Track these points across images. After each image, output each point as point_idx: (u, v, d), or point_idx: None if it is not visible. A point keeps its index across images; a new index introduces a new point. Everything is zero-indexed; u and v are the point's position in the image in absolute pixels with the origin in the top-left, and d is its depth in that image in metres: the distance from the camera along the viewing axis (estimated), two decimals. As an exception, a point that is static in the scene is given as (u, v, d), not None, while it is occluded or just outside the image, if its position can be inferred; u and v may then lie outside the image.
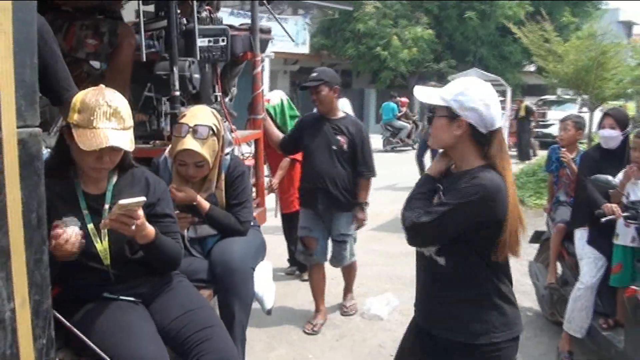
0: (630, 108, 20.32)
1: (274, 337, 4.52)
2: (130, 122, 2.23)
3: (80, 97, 2.18)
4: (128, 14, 4.26)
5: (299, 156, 4.99)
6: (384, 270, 6.20)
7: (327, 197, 4.53)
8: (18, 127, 1.72)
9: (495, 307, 2.14)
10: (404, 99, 18.84)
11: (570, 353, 4.18)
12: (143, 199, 2.16)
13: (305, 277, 5.53)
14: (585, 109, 14.58)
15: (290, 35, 7.60)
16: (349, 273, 5.09)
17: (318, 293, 4.84)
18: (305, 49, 18.47)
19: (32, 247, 1.79)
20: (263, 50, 4.67)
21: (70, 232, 2.08)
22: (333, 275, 5.25)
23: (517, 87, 23.28)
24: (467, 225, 2.05)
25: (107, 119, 2.13)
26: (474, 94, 2.07)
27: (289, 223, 5.70)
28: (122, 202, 2.10)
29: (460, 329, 2.14)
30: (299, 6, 18.30)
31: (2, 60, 1.70)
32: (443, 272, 2.15)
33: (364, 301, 5.17)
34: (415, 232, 2.09)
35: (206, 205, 2.98)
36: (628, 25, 41.58)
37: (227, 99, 4.46)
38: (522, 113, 16.03)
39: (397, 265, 6.26)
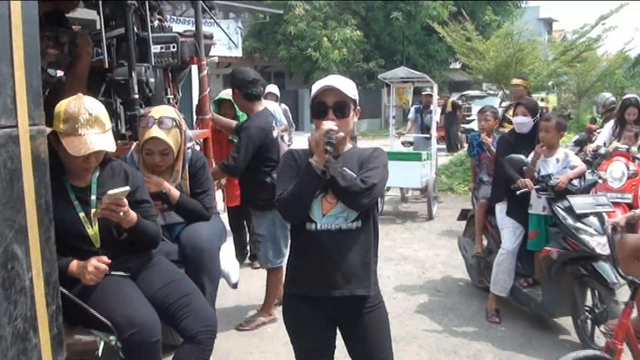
0: (552, 100, 21.66)
1: (235, 313, 4.88)
2: (109, 125, 2.64)
3: (63, 107, 2.55)
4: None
5: None
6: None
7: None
8: (29, 126, 2.10)
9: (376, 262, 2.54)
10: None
11: (497, 311, 4.80)
12: (128, 188, 2.58)
13: (257, 265, 5.91)
14: (505, 103, 15.48)
15: (232, 40, 7.97)
16: (268, 281, 4.76)
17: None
18: (238, 52, 18.76)
19: (43, 227, 2.18)
20: (206, 54, 5.03)
21: None
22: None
23: (444, 83, 24.32)
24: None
25: (90, 126, 2.53)
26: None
27: (234, 216, 6.06)
28: (110, 192, 2.50)
29: (370, 282, 2.43)
30: (231, 10, 18.57)
31: (17, 69, 2.08)
32: (354, 237, 2.39)
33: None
34: (372, 193, 2.36)
35: (176, 193, 3.35)
36: (548, 22, 43.68)
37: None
38: (449, 108, 16.83)
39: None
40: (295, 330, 2.53)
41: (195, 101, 4.91)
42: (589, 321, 4.13)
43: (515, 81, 7.20)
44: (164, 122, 3.26)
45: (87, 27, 5.05)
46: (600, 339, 3.92)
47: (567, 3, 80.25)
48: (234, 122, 5.02)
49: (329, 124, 2.28)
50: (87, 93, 4.03)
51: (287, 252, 4.29)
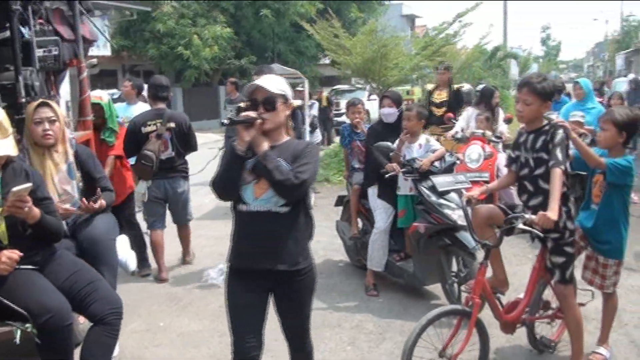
0: (417, 92, 22.96)
1: (125, 312, 4.96)
2: (10, 129, 2.78)
3: None
4: None
5: (122, 152, 5.46)
6: (215, 250, 6.78)
7: None
8: None
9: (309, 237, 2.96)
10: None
11: (375, 285, 5.29)
12: (30, 184, 2.76)
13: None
14: (374, 96, 16.28)
15: (108, 40, 7.88)
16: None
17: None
18: (106, 51, 18.21)
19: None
20: (85, 56, 5.06)
21: None
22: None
23: (314, 79, 24.97)
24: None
25: None
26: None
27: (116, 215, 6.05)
28: (14, 189, 2.66)
29: (295, 259, 2.81)
30: (97, 7, 17.95)
31: None
32: (283, 220, 2.76)
33: (202, 273, 5.79)
34: (303, 188, 2.74)
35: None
36: (411, 19, 45.96)
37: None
38: (324, 103, 17.43)
39: (224, 245, 6.90)
40: (231, 294, 2.88)
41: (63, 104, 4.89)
42: (455, 285, 4.71)
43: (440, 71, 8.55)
44: (48, 101, 3.50)
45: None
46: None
47: (428, 1, 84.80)
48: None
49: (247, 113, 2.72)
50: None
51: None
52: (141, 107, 6.60)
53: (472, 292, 3.46)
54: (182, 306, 5.18)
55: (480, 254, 4.30)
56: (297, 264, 2.81)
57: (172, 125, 5.59)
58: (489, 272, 3.64)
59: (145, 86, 8.21)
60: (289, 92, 2.86)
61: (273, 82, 2.82)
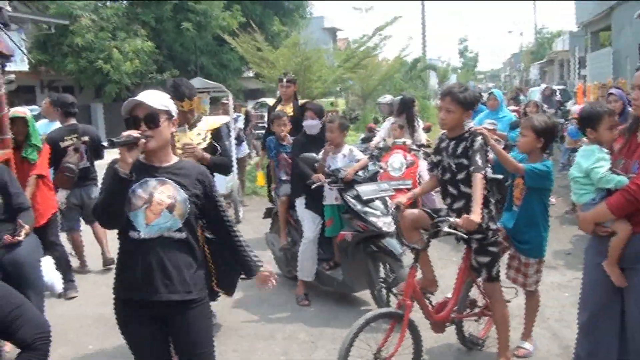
0: (341, 103, 23.28)
1: (53, 337, 4.81)
2: None
3: None
4: None
5: (44, 171, 5.31)
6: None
7: None
8: None
9: (203, 267, 2.86)
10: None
11: (306, 295, 5.36)
12: None
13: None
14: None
15: (25, 53, 7.65)
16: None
17: None
18: (24, 67, 17.48)
19: None
20: (2, 72, 4.89)
21: None
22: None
23: (239, 92, 24.91)
24: None
25: None
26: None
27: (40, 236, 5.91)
28: None
29: (187, 287, 2.63)
30: (13, 21, 17.24)
31: None
32: (176, 246, 2.61)
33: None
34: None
35: None
36: (332, 32, 46.53)
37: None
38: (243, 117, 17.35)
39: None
40: (128, 331, 2.70)
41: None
42: (384, 290, 4.82)
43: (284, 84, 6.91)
44: None
45: None
46: (395, 303, 4.58)
47: (349, 14, 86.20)
48: None
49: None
50: None
51: None
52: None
53: (404, 295, 3.58)
54: (111, 327, 4.97)
55: (406, 259, 4.45)
56: (190, 293, 2.63)
57: (86, 138, 6.12)
58: (418, 275, 3.77)
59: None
60: (173, 107, 2.70)
61: (155, 97, 2.63)
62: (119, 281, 2.67)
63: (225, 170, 4.41)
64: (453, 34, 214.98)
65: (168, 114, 2.64)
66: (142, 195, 2.56)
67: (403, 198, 3.96)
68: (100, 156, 6.39)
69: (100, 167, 5.90)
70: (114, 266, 6.26)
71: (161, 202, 2.54)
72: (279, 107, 6.63)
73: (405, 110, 7.33)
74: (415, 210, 4.09)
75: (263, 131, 18.24)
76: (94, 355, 4.53)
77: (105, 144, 2.43)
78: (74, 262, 6.39)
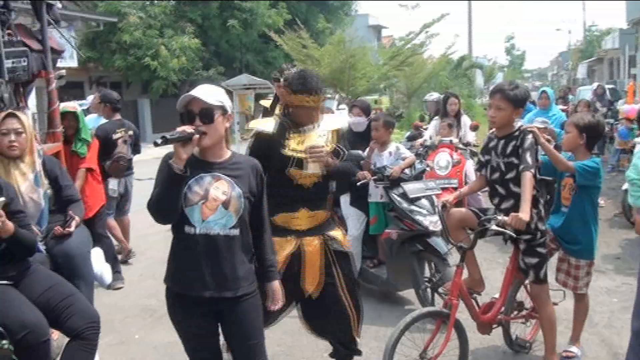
0: (385, 101, 23.17)
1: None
2: None
3: None
4: None
5: (93, 164, 5.43)
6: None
7: None
8: None
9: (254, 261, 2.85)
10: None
11: (348, 293, 5.29)
12: (3, 199, 2.70)
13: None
14: (342, 105, 16.40)
15: (77, 51, 7.87)
16: None
17: None
18: (73, 63, 17.95)
19: None
20: (53, 68, 5.02)
21: None
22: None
23: (283, 89, 24.94)
24: None
25: None
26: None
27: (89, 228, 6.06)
28: None
29: (239, 285, 2.65)
30: (63, 18, 17.71)
31: None
32: (230, 243, 2.60)
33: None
34: None
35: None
36: (377, 30, 46.40)
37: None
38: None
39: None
40: (178, 323, 2.73)
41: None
42: (428, 289, 4.77)
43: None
44: (16, 112, 3.50)
45: None
46: (439, 303, 4.53)
47: (394, 12, 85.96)
48: None
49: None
50: None
51: None
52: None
53: (450, 294, 3.53)
54: (157, 318, 5.14)
55: (451, 259, 4.39)
56: (242, 288, 2.65)
57: (131, 132, 6.53)
58: (464, 274, 3.72)
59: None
60: (228, 103, 2.68)
61: (210, 92, 2.61)
62: (172, 274, 2.70)
63: (347, 177, 3.96)
64: (500, 31, 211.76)
65: (223, 109, 2.62)
66: (198, 191, 2.55)
67: (450, 197, 3.91)
68: (138, 151, 6.85)
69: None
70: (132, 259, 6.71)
71: (216, 199, 2.54)
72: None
73: (440, 108, 7.26)
74: (462, 209, 4.04)
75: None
76: (140, 344, 4.61)
77: (159, 141, 2.39)
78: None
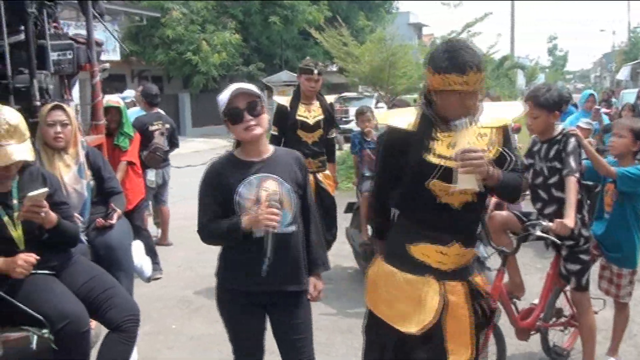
0: (424, 100, 22.93)
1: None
2: (27, 134, 2.79)
3: None
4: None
5: (135, 158, 5.52)
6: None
7: None
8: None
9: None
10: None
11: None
12: (46, 189, 2.75)
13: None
14: (381, 104, 16.31)
15: (123, 46, 8.08)
16: None
17: None
18: (115, 56, 18.31)
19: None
20: (97, 60, 5.11)
21: None
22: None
23: (322, 86, 24.98)
24: None
25: (10, 137, 2.69)
26: None
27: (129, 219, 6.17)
28: (30, 194, 2.66)
29: (301, 279, 2.71)
30: (107, 12, 18.06)
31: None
32: (288, 240, 2.61)
33: (212, 277, 5.83)
34: None
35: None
36: (418, 27, 46.05)
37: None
38: (328, 111, 17.37)
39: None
40: (229, 318, 2.74)
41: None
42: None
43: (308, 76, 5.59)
44: (61, 104, 3.54)
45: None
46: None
47: (435, 10, 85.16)
48: None
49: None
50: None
51: None
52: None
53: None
54: (193, 309, 5.22)
55: (490, 263, 4.33)
56: (299, 286, 2.69)
57: (168, 126, 6.73)
58: (505, 279, 3.66)
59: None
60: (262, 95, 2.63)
61: (249, 85, 2.58)
62: (227, 270, 2.69)
63: (516, 194, 2.60)
64: (543, 31, 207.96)
65: (262, 100, 2.59)
66: (249, 197, 2.52)
67: (492, 201, 3.86)
68: (176, 144, 7.03)
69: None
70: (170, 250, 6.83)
71: (269, 200, 2.51)
72: (302, 109, 5.40)
73: None
74: (504, 212, 3.98)
75: (347, 126, 18.44)
76: (178, 335, 4.67)
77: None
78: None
